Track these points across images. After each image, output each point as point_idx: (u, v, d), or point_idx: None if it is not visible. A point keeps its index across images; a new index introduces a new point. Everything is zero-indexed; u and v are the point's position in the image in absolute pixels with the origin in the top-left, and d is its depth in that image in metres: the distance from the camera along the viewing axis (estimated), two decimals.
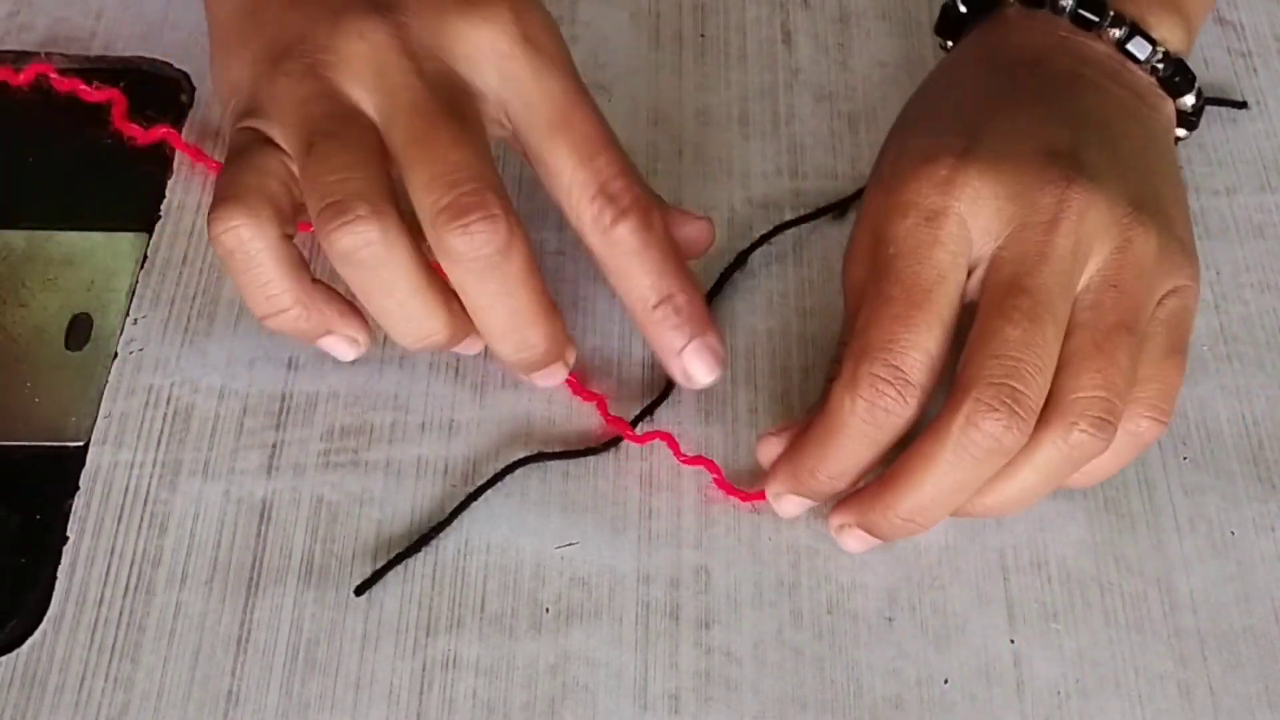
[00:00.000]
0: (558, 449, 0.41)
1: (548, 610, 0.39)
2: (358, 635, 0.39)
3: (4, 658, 0.38)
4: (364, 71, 0.37)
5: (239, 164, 0.37)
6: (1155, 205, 0.38)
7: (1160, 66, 0.42)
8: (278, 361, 0.43)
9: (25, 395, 0.43)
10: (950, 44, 0.46)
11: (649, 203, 0.38)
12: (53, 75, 0.48)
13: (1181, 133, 0.44)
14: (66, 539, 0.40)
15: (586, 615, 0.39)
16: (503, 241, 0.35)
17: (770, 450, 0.40)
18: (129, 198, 0.47)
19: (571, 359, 0.41)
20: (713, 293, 0.45)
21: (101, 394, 0.42)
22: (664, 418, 0.42)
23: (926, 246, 0.36)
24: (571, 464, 0.42)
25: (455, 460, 0.42)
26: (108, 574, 0.39)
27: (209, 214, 0.36)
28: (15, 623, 0.38)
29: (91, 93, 0.47)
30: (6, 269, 0.45)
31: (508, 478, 0.41)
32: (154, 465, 0.41)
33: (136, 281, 0.45)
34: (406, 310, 0.37)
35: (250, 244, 0.36)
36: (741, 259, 0.45)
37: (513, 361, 0.39)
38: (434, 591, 0.39)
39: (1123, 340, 0.36)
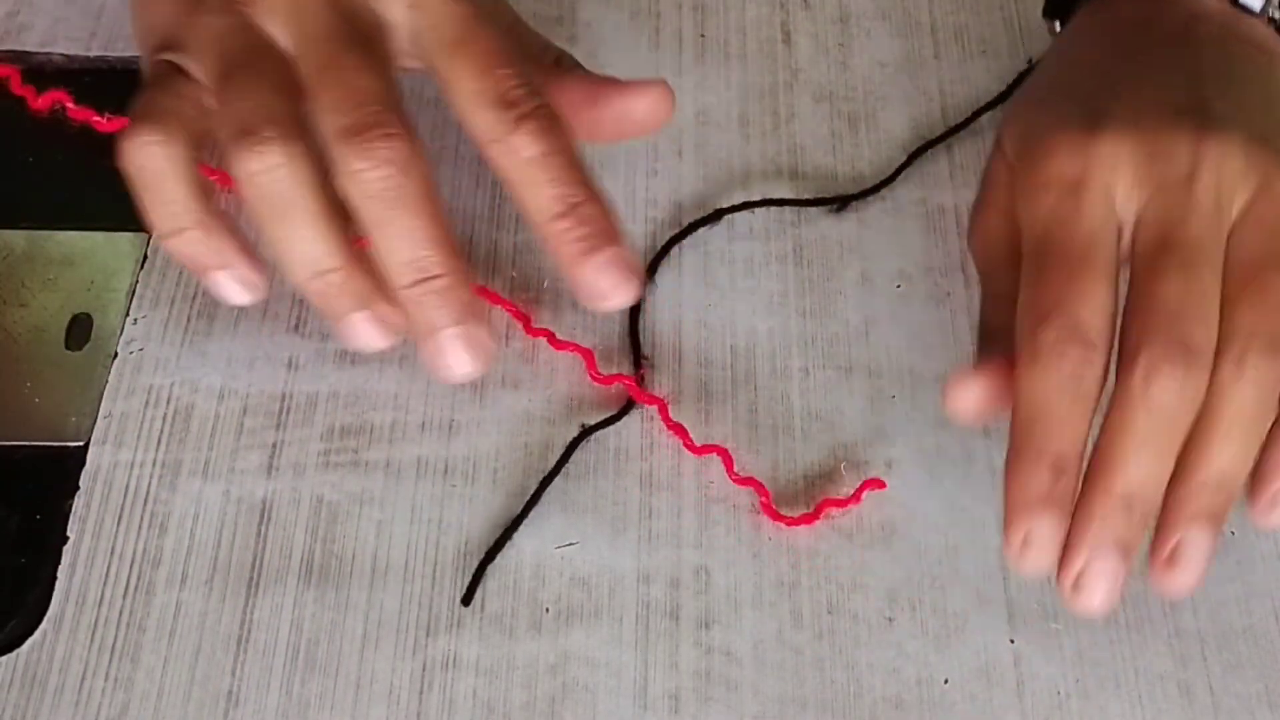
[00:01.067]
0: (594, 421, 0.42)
1: (548, 610, 0.39)
2: (358, 635, 0.39)
3: (4, 658, 0.38)
4: (279, 7, 0.38)
5: (154, 89, 0.38)
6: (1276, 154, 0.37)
7: (1277, 16, 0.42)
8: (278, 361, 0.43)
9: (25, 395, 0.43)
10: (1059, 25, 0.45)
11: (552, 112, 0.37)
12: (69, 105, 0.48)
13: None
14: (66, 539, 0.40)
15: (586, 615, 0.39)
16: (403, 158, 0.35)
17: (967, 399, 0.37)
18: (129, 198, 0.46)
19: (485, 342, 0.37)
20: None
21: (101, 394, 0.42)
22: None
23: (1074, 218, 0.36)
24: (572, 464, 0.42)
25: (455, 460, 0.42)
26: (108, 574, 0.39)
27: (122, 136, 0.37)
28: (15, 623, 0.38)
29: (105, 124, 0.48)
30: (6, 269, 0.45)
31: (505, 475, 0.41)
32: (154, 465, 0.41)
33: (136, 281, 0.45)
34: (302, 237, 0.36)
35: (161, 160, 0.37)
36: (717, 215, 0.47)
37: (415, 294, 0.37)
38: (434, 591, 0.39)
39: (1274, 277, 0.35)
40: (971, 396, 0.36)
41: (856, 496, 0.41)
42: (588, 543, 0.40)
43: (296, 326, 0.44)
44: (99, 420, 0.42)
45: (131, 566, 0.39)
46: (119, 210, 0.46)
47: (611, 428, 0.42)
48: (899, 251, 0.46)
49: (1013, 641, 0.39)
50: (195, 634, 0.38)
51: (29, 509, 0.40)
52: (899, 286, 0.45)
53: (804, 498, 0.41)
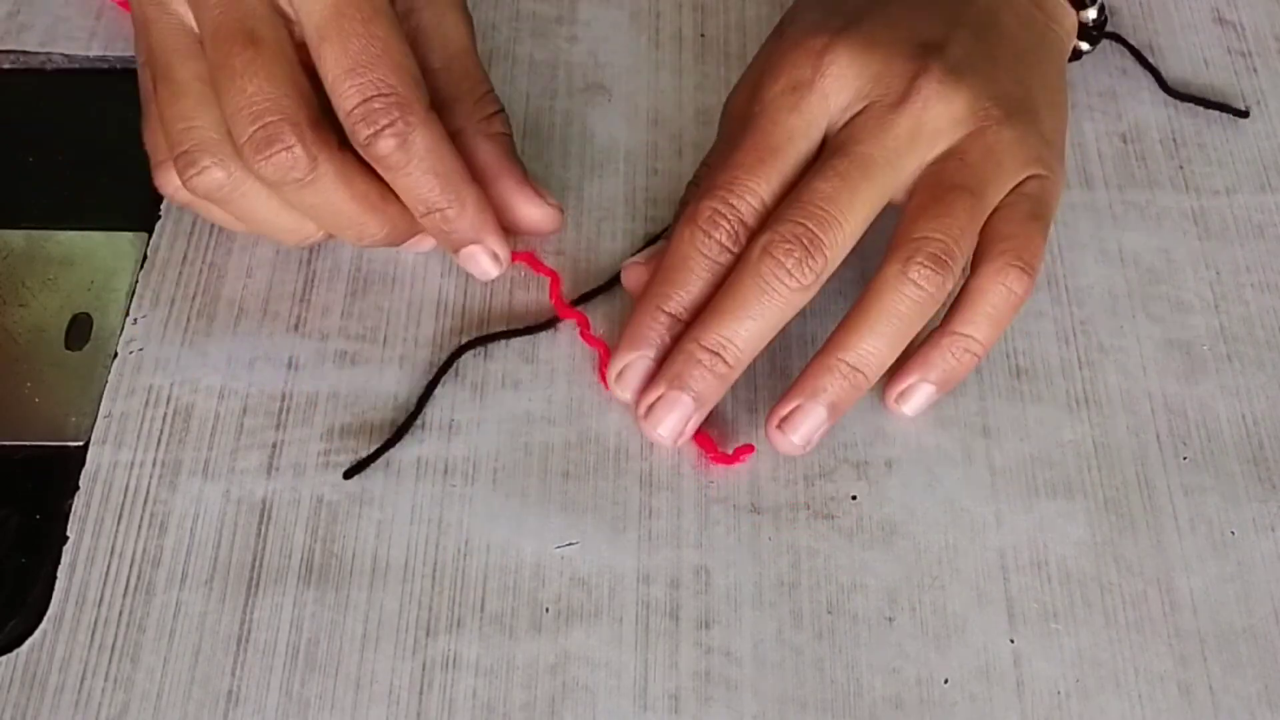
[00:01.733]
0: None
1: (548, 610, 0.39)
2: (358, 635, 0.39)
3: (4, 658, 0.38)
4: None
5: None
6: (1022, 105, 0.41)
7: None
8: (278, 361, 0.43)
9: (25, 395, 0.43)
10: None
11: (410, 121, 0.39)
12: None
13: (1084, 46, 0.48)
14: (66, 539, 0.40)
15: (586, 615, 0.39)
16: (304, 168, 0.38)
17: (635, 275, 0.43)
18: (129, 198, 0.47)
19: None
20: None
21: (101, 394, 0.42)
22: None
23: (785, 111, 0.40)
24: (572, 464, 0.42)
25: (455, 460, 0.42)
26: (108, 574, 0.39)
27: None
28: (15, 623, 0.38)
29: None
30: (6, 269, 0.45)
31: (505, 475, 0.41)
32: (154, 465, 0.41)
33: (136, 281, 0.45)
34: (271, 226, 0.41)
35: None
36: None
37: (371, 244, 0.42)
38: (434, 591, 0.39)
39: (961, 197, 0.39)
40: (640, 276, 0.42)
41: (736, 456, 0.42)
42: (588, 543, 0.40)
43: (296, 326, 0.44)
44: (99, 420, 0.42)
45: (131, 566, 0.39)
46: (119, 210, 0.47)
47: (611, 426, 0.42)
48: None
49: (1013, 641, 0.39)
50: (195, 634, 0.38)
51: (29, 509, 0.40)
52: None
53: (804, 497, 0.41)
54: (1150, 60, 0.52)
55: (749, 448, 0.41)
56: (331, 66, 0.38)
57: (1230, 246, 0.47)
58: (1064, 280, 0.46)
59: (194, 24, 0.39)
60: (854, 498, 0.41)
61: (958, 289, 0.40)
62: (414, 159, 0.39)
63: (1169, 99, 0.51)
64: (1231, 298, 0.46)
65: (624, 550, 0.40)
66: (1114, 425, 0.43)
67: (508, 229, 0.43)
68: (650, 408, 0.40)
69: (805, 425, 0.40)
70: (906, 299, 0.39)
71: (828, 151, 0.40)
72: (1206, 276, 0.46)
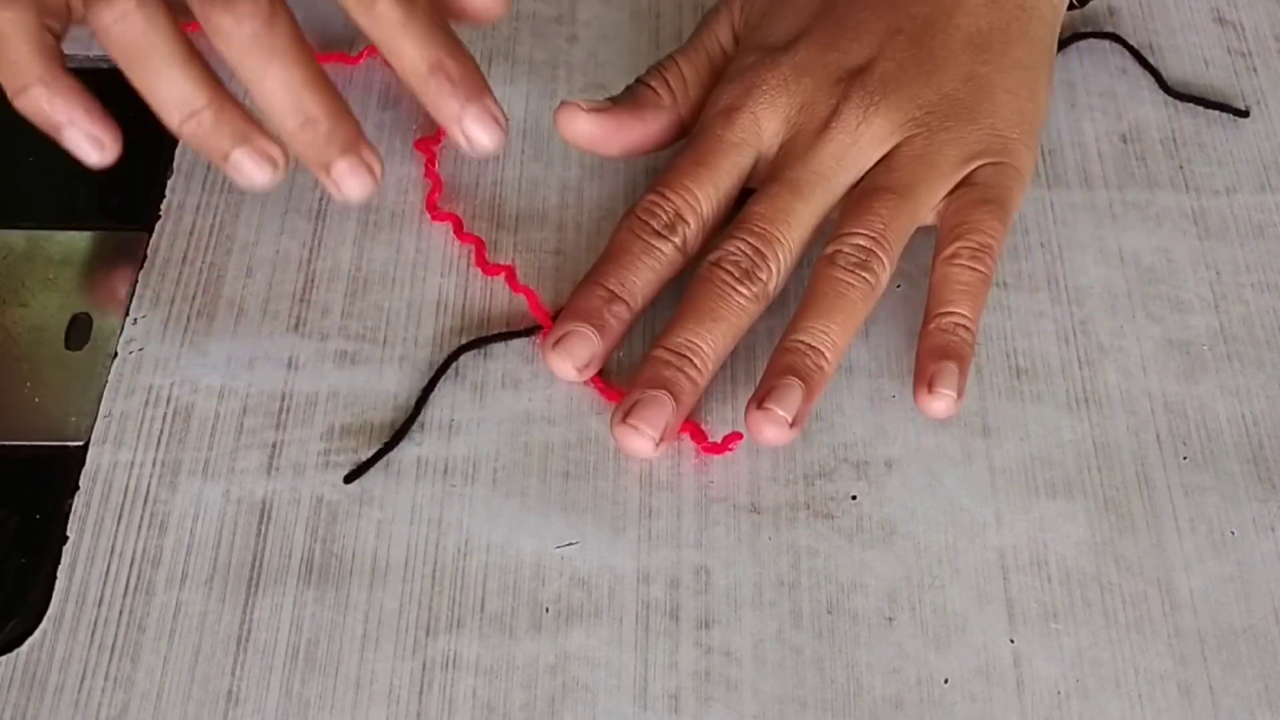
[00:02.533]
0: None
1: (548, 610, 0.39)
2: (358, 635, 0.39)
3: (4, 658, 0.38)
4: None
5: None
6: (961, 104, 0.44)
7: None
8: (278, 361, 0.43)
9: (25, 395, 0.43)
10: None
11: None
12: None
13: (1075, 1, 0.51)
14: (66, 539, 0.40)
15: (586, 615, 0.39)
16: (265, 14, 0.37)
17: (571, 117, 0.45)
18: (129, 197, 0.47)
19: (374, 165, 0.40)
20: None
21: (101, 394, 0.42)
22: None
23: (719, 128, 0.44)
24: (572, 464, 0.42)
25: (455, 460, 0.42)
26: (108, 574, 0.39)
27: None
28: (15, 622, 0.38)
29: None
30: (6, 269, 0.45)
31: (505, 475, 0.41)
32: (154, 465, 0.41)
33: (136, 281, 0.45)
34: (167, 79, 0.38)
35: (6, 25, 0.38)
36: None
37: (303, 138, 0.39)
38: (434, 591, 0.39)
39: (881, 197, 0.43)
40: (582, 127, 0.44)
41: (725, 445, 0.42)
42: (588, 543, 0.40)
43: (296, 326, 0.44)
44: (99, 420, 0.42)
45: (131, 566, 0.39)
46: (119, 210, 0.47)
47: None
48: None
49: (1013, 641, 0.39)
50: (195, 634, 0.38)
51: (29, 509, 0.40)
52: (899, 286, 0.45)
53: (804, 497, 0.41)
54: (1150, 60, 0.52)
55: (737, 435, 0.42)
56: None
57: (1230, 246, 0.47)
58: (1064, 280, 0.46)
59: None
60: (854, 498, 0.41)
61: (889, 281, 0.43)
62: (419, 9, 0.38)
63: (1169, 99, 0.51)
64: (1231, 298, 0.46)
65: (624, 550, 0.40)
66: (1114, 425, 0.43)
67: (453, 17, 0.41)
68: (628, 412, 0.40)
69: (785, 400, 0.40)
70: (839, 283, 0.42)
71: (765, 177, 0.44)
72: (1206, 276, 0.46)
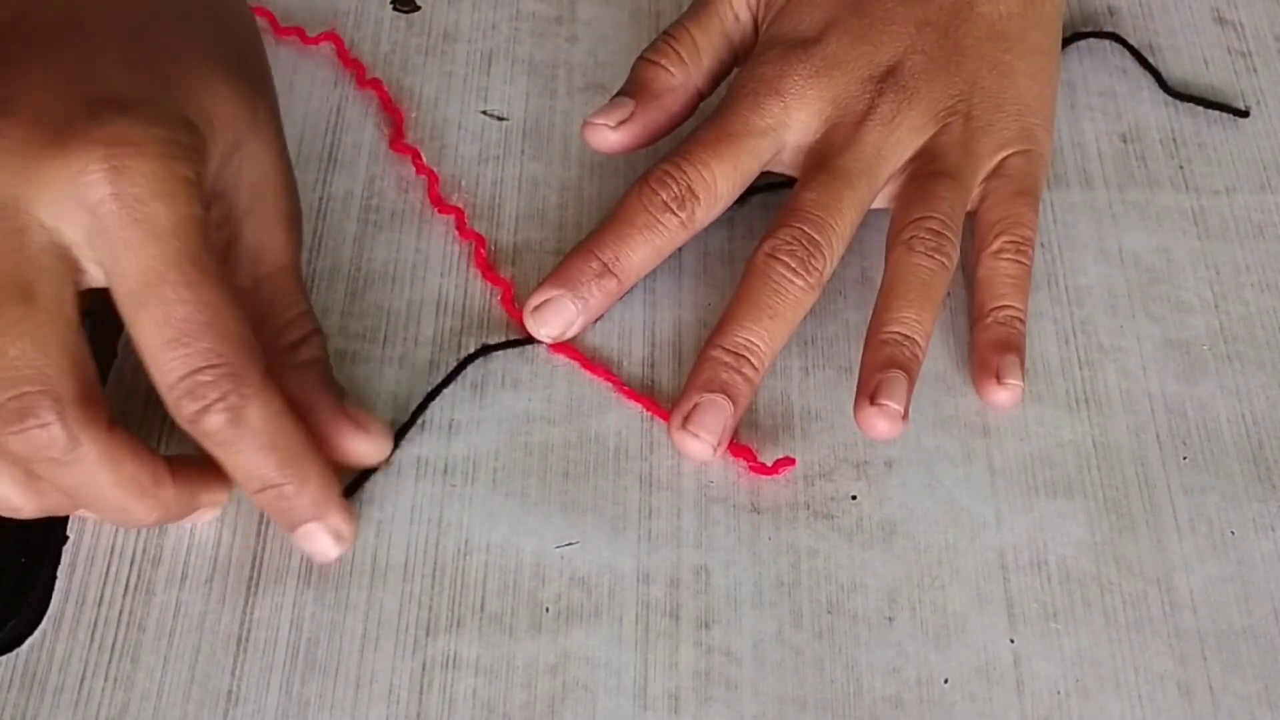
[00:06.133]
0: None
1: (548, 610, 0.39)
2: (358, 635, 0.39)
3: (4, 658, 0.38)
4: None
5: None
6: (990, 91, 0.44)
7: None
8: None
9: None
10: None
11: (245, 393, 0.34)
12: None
13: None
14: (66, 539, 0.40)
15: (586, 615, 0.39)
16: (60, 448, 0.33)
17: (600, 132, 0.45)
18: None
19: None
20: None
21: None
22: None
23: (745, 108, 0.43)
24: (572, 464, 0.42)
25: (455, 460, 0.42)
26: (108, 574, 0.39)
27: None
28: (15, 623, 0.38)
29: None
30: None
31: (505, 475, 0.41)
32: None
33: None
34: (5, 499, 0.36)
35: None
36: None
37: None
38: (434, 591, 0.39)
39: (942, 182, 0.43)
40: (613, 142, 0.45)
41: (776, 468, 0.42)
42: (588, 543, 0.40)
43: None
44: None
45: (131, 566, 0.39)
46: None
47: (611, 426, 0.42)
48: None
49: (1013, 641, 0.39)
50: (195, 633, 0.38)
51: None
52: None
53: (804, 497, 0.41)
54: (1150, 60, 0.52)
55: (789, 460, 0.41)
56: (151, 336, 0.33)
57: (1230, 246, 0.47)
58: (1064, 280, 0.46)
59: None
60: (854, 498, 0.41)
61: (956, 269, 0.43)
62: (247, 434, 0.35)
63: (1169, 99, 0.51)
64: (1231, 298, 0.46)
65: (624, 550, 0.40)
66: (1114, 425, 0.43)
67: (333, 463, 0.38)
68: (687, 416, 0.41)
69: (894, 393, 0.40)
70: (922, 268, 0.41)
71: (808, 168, 0.43)
72: (1206, 276, 0.46)
